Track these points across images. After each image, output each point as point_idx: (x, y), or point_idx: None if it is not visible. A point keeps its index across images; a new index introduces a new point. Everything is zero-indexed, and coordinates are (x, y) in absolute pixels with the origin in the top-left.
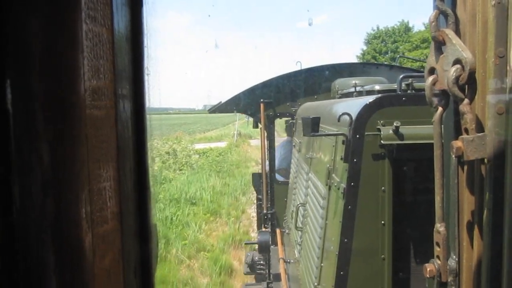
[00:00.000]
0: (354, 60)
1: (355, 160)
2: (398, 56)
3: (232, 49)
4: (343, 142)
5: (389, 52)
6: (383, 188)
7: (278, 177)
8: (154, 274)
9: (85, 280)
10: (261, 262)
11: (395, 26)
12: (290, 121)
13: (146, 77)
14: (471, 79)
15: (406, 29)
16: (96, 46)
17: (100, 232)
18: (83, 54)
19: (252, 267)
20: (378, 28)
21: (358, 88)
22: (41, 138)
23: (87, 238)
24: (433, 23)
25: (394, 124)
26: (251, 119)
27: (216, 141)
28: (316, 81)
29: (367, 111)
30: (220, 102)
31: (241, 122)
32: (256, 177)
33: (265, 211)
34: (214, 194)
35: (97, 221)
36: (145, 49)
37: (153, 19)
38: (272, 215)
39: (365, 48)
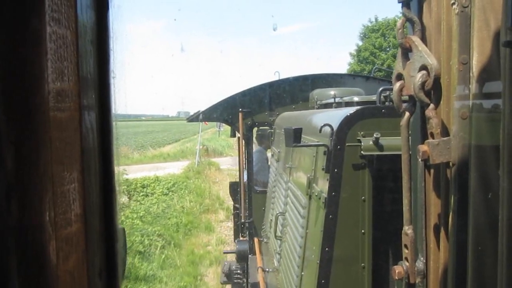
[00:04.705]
0: (346, 59)
1: (336, 170)
2: (374, 67)
3: (199, 55)
4: (324, 153)
5: (391, 47)
6: (363, 197)
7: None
8: (120, 277)
9: (49, 282)
10: (238, 271)
11: (396, 18)
12: (268, 130)
13: (112, 80)
14: (436, 85)
15: None
16: (60, 48)
17: (64, 235)
18: (46, 56)
19: (229, 276)
20: (376, 19)
21: (337, 99)
22: (4, 140)
23: (50, 240)
24: (400, 30)
25: (374, 135)
26: (222, 129)
27: (174, 159)
28: (293, 91)
29: (348, 123)
30: (199, 111)
31: (212, 130)
32: (234, 186)
33: (243, 220)
34: None
35: (61, 224)
36: (111, 53)
37: (120, 23)
38: (250, 224)
39: (360, 43)
